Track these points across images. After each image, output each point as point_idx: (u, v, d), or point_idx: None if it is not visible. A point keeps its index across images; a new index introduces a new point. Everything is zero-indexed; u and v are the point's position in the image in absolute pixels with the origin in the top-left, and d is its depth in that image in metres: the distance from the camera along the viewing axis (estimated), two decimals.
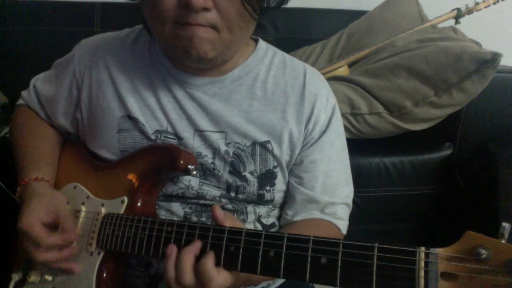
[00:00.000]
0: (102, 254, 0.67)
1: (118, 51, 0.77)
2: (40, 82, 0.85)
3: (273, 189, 0.75)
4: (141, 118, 0.73)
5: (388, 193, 1.37)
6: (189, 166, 0.68)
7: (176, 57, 0.68)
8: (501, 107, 1.31)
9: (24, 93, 0.88)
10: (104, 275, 0.67)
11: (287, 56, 0.79)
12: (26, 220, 0.66)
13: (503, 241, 0.40)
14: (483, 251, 0.39)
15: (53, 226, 0.69)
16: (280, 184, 0.75)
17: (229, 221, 0.57)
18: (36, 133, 0.83)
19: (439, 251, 0.42)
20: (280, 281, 0.82)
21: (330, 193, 0.75)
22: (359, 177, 1.34)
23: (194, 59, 0.63)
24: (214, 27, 0.60)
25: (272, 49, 0.79)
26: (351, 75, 1.44)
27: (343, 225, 0.77)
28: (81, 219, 0.71)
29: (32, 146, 0.81)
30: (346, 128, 1.33)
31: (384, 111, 1.31)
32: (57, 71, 0.82)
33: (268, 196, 0.74)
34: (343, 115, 1.32)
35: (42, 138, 0.83)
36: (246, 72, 0.74)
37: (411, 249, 0.42)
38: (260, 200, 0.75)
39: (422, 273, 0.41)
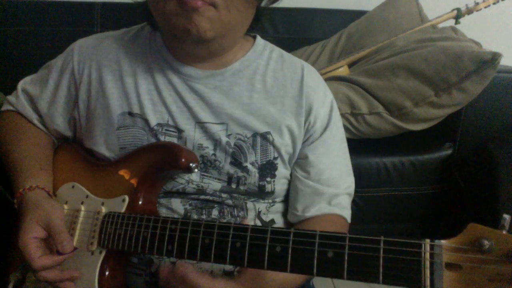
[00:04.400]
0: (104, 253, 0.67)
1: (118, 48, 0.78)
2: (31, 85, 0.83)
3: (274, 181, 0.76)
4: (143, 112, 0.73)
5: (388, 193, 1.37)
6: (191, 164, 0.68)
7: (176, 38, 0.69)
8: (501, 107, 1.31)
9: (11, 98, 0.85)
10: (106, 273, 0.67)
11: (284, 52, 0.82)
12: (21, 238, 0.66)
13: (504, 232, 0.41)
14: (486, 242, 0.41)
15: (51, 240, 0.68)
16: (281, 176, 0.76)
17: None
18: (28, 139, 0.81)
19: (444, 242, 0.43)
20: None
21: (334, 185, 0.78)
22: (359, 177, 1.33)
23: (193, 38, 0.64)
24: (213, 5, 0.61)
25: (270, 45, 0.81)
26: (351, 75, 1.44)
27: (348, 215, 0.80)
28: (80, 219, 0.71)
29: (24, 154, 0.78)
30: (346, 128, 1.33)
31: (384, 111, 1.31)
32: (54, 72, 0.81)
33: (268, 187, 0.75)
34: (343, 115, 1.32)
35: (35, 144, 0.81)
36: (246, 66, 0.76)
37: (416, 241, 0.44)
38: (261, 192, 0.75)
39: (427, 264, 0.43)
